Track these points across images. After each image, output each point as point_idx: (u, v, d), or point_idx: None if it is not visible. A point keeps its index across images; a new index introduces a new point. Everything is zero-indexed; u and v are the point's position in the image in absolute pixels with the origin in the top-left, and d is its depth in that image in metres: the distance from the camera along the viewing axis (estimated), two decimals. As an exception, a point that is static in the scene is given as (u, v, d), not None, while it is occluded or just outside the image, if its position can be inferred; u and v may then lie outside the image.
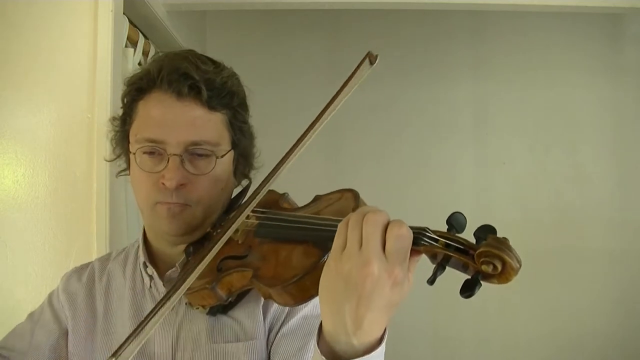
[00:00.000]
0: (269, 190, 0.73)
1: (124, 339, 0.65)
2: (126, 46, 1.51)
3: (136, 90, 0.84)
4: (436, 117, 2.62)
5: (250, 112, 0.91)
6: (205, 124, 0.81)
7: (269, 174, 0.70)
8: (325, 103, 0.72)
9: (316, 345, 0.57)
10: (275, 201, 0.84)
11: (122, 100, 0.87)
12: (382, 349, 0.55)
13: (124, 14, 1.45)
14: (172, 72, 0.80)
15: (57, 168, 1.32)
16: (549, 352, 2.50)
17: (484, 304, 2.46)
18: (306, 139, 0.70)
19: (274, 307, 0.82)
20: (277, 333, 0.80)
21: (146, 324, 0.63)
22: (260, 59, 2.60)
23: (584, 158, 2.59)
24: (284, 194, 0.85)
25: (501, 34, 2.63)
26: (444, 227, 0.57)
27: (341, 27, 2.64)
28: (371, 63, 0.68)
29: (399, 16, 2.58)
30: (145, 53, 1.64)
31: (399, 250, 0.52)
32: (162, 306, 0.64)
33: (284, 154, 0.70)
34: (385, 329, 0.56)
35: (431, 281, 0.53)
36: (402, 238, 0.52)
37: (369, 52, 0.68)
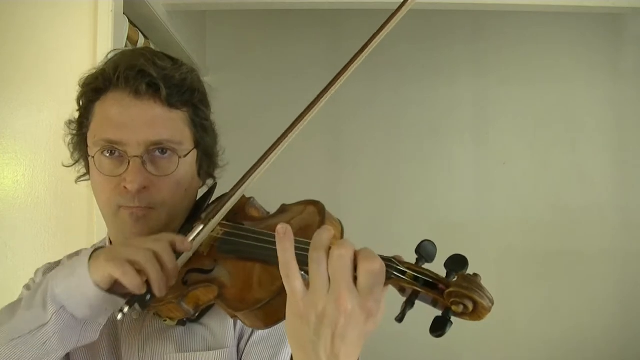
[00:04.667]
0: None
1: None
2: (126, 46, 1.51)
3: (92, 91, 0.80)
4: (436, 117, 2.62)
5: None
6: (165, 122, 0.78)
7: (245, 176, 0.69)
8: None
9: None
10: (241, 206, 0.80)
11: (78, 102, 0.83)
12: None
13: (124, 14, 1.45)
14: (129, 70, 0.76)
15: (57, 168, 1.31)
16: (548, 352, 2.50)
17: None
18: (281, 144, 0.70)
19: None
20: (247, 342, 0.78)
21: (214, 216, 0.70)
22: (260, 59, 2.60)
23: (584, 158, 2.59)
24: (250, 198, 0.82)
25: (501, 34, 2.63)
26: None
27: (341, 27, 2.63)
28: None
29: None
30: (145, 53, 1.64)
31: (372, 285, 0.51)
32: (227, 200, 0.71)
33: (260, 155, 0.70)
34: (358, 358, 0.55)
35: (400, 319, 0.51)
36: (375, 274, 0.51)
37: None
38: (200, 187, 0.89)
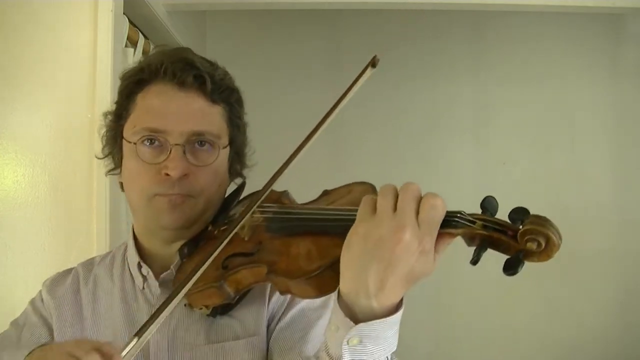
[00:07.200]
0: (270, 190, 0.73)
1: (122, 343, 0.64)
2: (126, 46, 1.51)
3: (135, 83, 0.83)
4: (436, 117, 2.62)
5: (245, 111, 0.92)
6: (207, 115, 0.82)
7: (277, 171, 0.70)
8: (324, 102, 0.72)
9: (337, 303, 0.58)
10: (277, 198, 0.83)
11: (120, 95, 0.85)
12: (399, 315, 0.57)
13: (124, 14, 1.45)
14: (177, 62, 0.80)
15: (57, 168, 1.32)
16: (548, 353, 2.50)
17: (484, 304, 2.46)
18: (311, 139, 0.71)
19: (273, 300, 0.82)
20: (275, 325, 0.80)
21: (149, 326, 0.62)
22: (261, 59, 2.60)
23: (584, 158, 2.59)
24: (284, 191, 0.85)
25: (501, 34, 2.63)
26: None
27: (341, 27, 2.63)
28: (374, 66, 0.70)
29: (399, 16, 2.58)
30: (145, 53, 1.64)
31: (431, 219, 0.53)
32: (166, 306, 0.63)
33: (290, 153, 0.70)
34: (402, 299, 0.57)
35: (474, 261, 0.54)
36: (436, 208, 0.53)
37: (374, 56, 0.71)
38: (228, 185, 0.91)
